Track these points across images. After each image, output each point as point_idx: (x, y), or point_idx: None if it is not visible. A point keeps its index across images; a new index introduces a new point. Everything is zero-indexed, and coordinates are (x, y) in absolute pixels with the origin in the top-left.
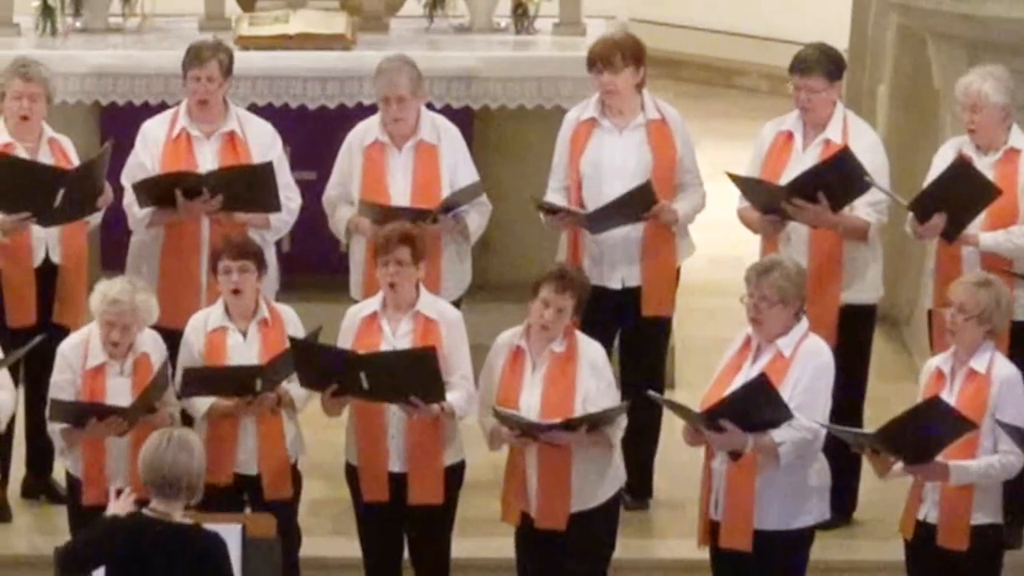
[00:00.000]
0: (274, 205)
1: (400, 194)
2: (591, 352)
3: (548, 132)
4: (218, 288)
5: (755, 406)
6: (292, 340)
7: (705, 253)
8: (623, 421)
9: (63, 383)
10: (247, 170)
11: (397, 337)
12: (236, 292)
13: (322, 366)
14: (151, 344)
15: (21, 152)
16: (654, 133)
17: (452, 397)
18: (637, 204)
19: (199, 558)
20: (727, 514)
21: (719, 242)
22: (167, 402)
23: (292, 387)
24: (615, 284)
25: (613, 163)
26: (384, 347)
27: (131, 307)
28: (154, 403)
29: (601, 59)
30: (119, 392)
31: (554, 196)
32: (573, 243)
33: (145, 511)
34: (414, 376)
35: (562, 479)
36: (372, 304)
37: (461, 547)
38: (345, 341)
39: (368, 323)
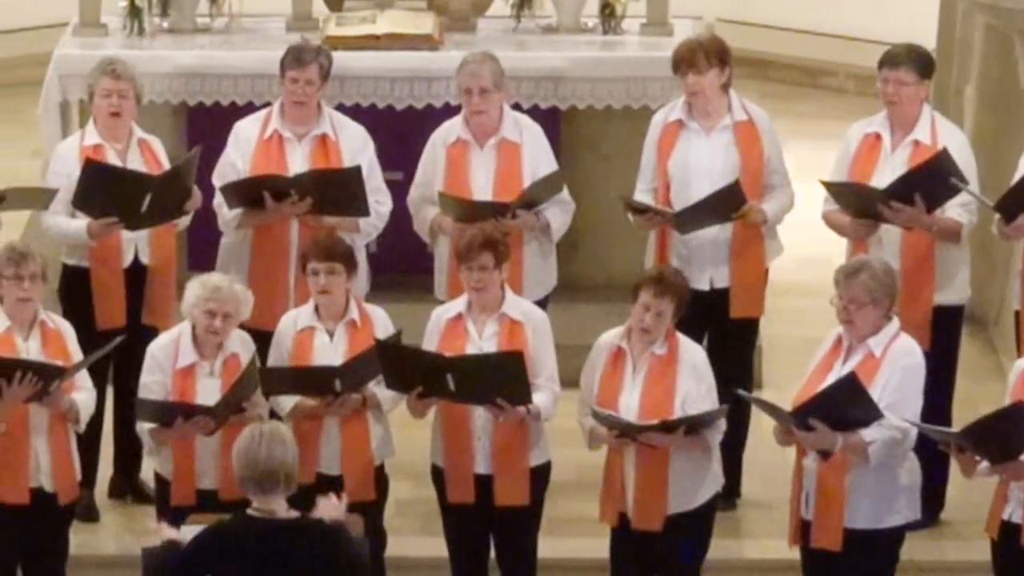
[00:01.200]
0: (363, 209)
1: (482, 192)
2: (692, 355)
3: (635, 132)
4: (307, 289)
5: (845, 405)
6: (378, 342)
7: (793, 253)
8: (722, 425)
9: (152, 384)
10: (336, 173)
11: (483, 339)
12: (324, 293)
13: (408, 368)
14: (240, 344)
15: (111, 154)
16: (741, 134)
17: (538, 399)
18: (725, 204)
19: (318, 550)
20: (818, 513)
21: (806, 242)
22: (256, 402)
23: (379, 389)
24: (703, 285)
25: (700, 165)
26: (470, 349)
27: (232, 294)
28: (242, 403)
29: (686, 60)
30: (209, 392)
31: (642, 197)
32: (661, 244)
33: (250, 512)
34: (501, 379)
35: (660, 481)
36: (457, 305)
37: (547, 547)
38: (430, 342)
39: (453, 325)
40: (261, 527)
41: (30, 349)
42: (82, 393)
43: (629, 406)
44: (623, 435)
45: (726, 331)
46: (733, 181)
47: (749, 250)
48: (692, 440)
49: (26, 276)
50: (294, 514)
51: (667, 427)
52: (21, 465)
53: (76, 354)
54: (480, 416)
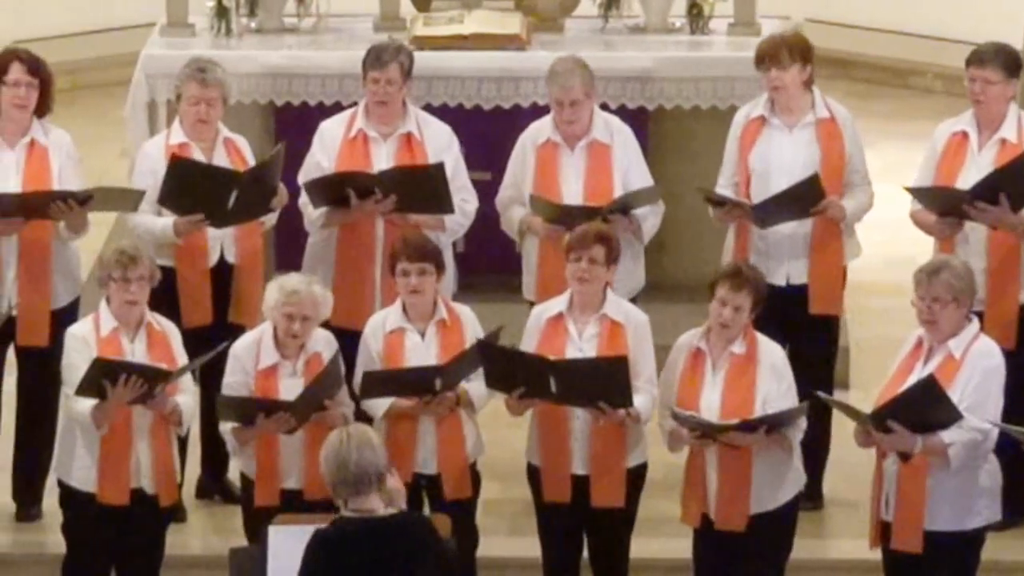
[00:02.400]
0: (447, 207)
1: (572, 194)
2: (771, 353)
3: (723, 132)
4: (396, 289)
5: (924, 407)
6: (481, 343)
7: (880, 253)
8: (803, 423)
9: (235, 384)
10: (419, 170)
11: (583, 340)
12: (414, 293)
13: (512, 369)
14: (323, 343)
15: (196, 152)
16: (823, 132)
17: (638, 401)
18: (804, 197)
19: (420, 543)
20: (898, 515)
21: (894, 242)
22: (340, 401)
23: (471, 387)
24: (780, 281)
25: (782, 161)
26: (570, 349)
27: (309, 297)
28: (323, 400)
29: (769, 56)
30: (291, 392)
31: (722, 192)
32: (740, 238)
33: (346, 514)
34: (604, 383)
35: (742, 481)
36: (558, 304)
37: (637, 547)
38: (530, 340)
39: (554, 324)
40: (362, 527)
41: (136, 351)
42: (185, 396)
43: (710, 406)
44: (704, 436)
45: (805, 329)
46: (812, 174)
47: (828, 246)
48: (773, 439)
49: (133, 279)
50: (392, 510)
51: (748, 426)
52: (123, 466)
53: (181, 355)
54: (578, 417)
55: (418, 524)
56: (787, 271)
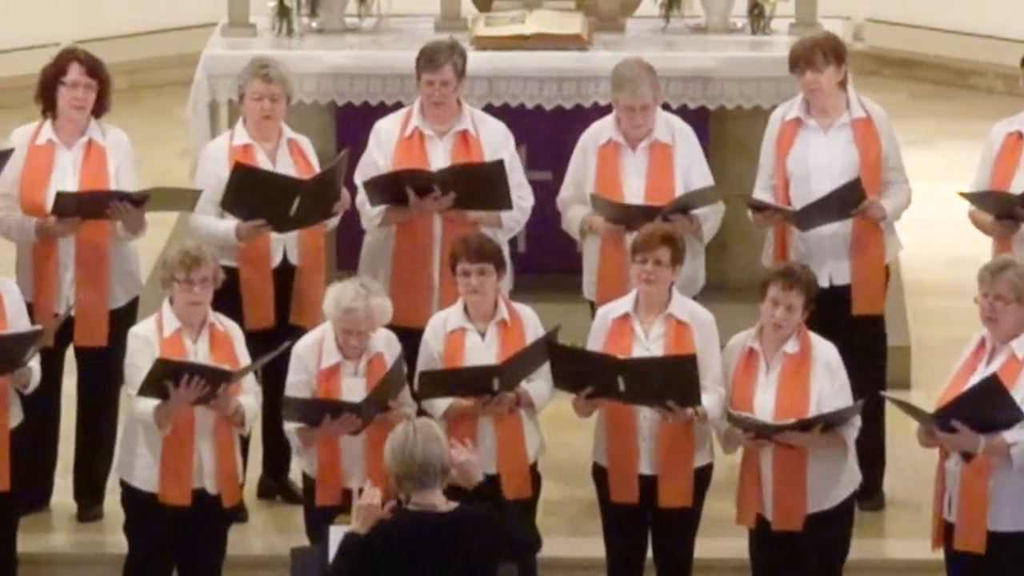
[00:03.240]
0: (505, 203)
1: (634, 194)
2: (825, 352)
3: None
4: (456, 289)
5: (986, 407)
6: (550, 343)
7: (941, 254)
8: (857, 421)
9: (298, 384)
10: (478, 168)
11: (650, 340)
12: (475, 293)
13: (579, 369)
14: (385, 343)
15: (260, 153)
16: (860, 131)
17: (705, 400)
18: (845, 201)
19: (482, 538)
20: (961, 515)
21: (956, 242)
22: (403, 401)
23: (531, 387)
24: (823, 282)
25: (819, 162)
26: (636, 349)
27: (366, 314)
28: (388, 402)
29: (803, 58)
30: (354, 392)
31: (761, 194)
32: (780, 240)
33: (409, 507)
34: (673, 381)
35: (798, 480)
36: (624, 305)
37: (699, 547)
38: (596, 341)
39: (620, 324)
40: (425, 520)
41: (199, 351)
42: (247, 396)
43: (764, 407)
44: (759, 437)
45: (849, 330)
46: (855, 179)
47: (869, 246)
48: (828, 438)
49: (197, 280)
50: (453, 505)
51: (804, 426)
52: (185, 467)
53: (244, 356)
54: (645, 417)
55: (479, 520)
56: (829, 272)
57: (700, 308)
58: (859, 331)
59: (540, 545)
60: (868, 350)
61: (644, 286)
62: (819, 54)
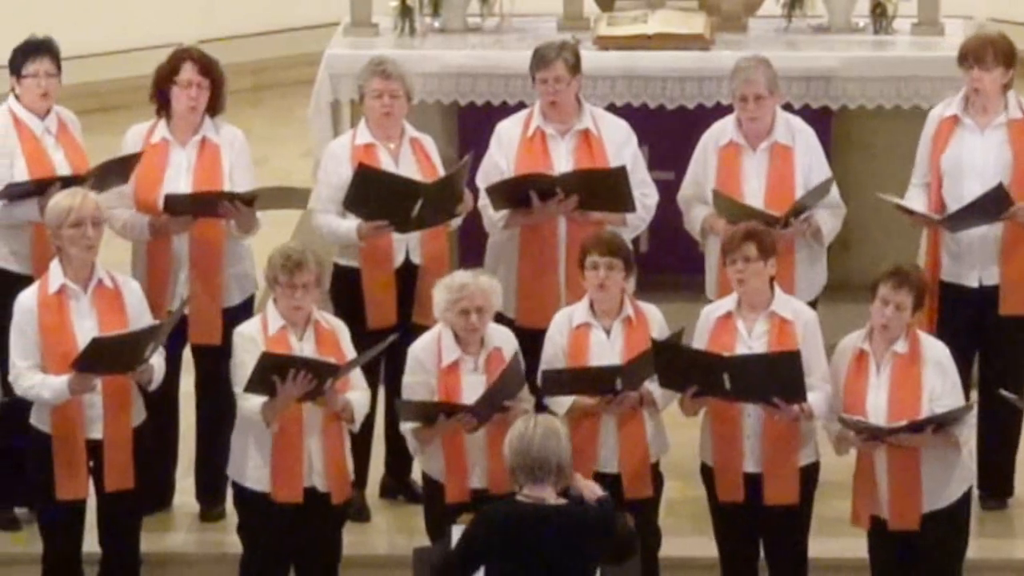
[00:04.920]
0: (629, 205)
1: (754, 195)
2: (935, 351)
3: (907, 132)
4: (583, 284)
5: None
6: (655, 341)
7: None
8: (971, 419)
9: (415, 384)
10: (601, 173)
11: (752, 338)
12: (601, 288)
13: (684, 367)
14: (502, 339)
15: (383, 153)
16: (1015, 132)
17: (812, 398)
18: (991, 207)
19: (588, 536)
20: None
21: None
22: (522, 397)
23: (655, 386)
24: (972, 283)
25: (973, 162)
26: (739, 347)
27: (478, 288)
28: (504, 401)
29: (974, 54)
30: (474, 388)
31: (915, 191)
32: (933, 240)
33: (519, 498)
34: (778, 378)
35: (913, 480)
36: (727, 304)
37: (817, 547)
38: (700, 340)
39: (723, 323)
40: (532, 511)
41: (304, 349)
42: (356, 392)
43: (876, 408)
44: (871, 438)
45: (997, 331)
46: (996, 185)
47: (1018, 249)
48: (941, 438)
49: (299, 284)
50: (563, 501)
51: (916, 427)
52: (295, 464)
53: (350, 353)
54: (751, 415)
55: (585, 517)
56: (979, 273)
57: (803, 305)
58: (1006, 332)
59: (637, 550)
60: (1016, 351)
61: (739, 286)
62: (990, 52)
